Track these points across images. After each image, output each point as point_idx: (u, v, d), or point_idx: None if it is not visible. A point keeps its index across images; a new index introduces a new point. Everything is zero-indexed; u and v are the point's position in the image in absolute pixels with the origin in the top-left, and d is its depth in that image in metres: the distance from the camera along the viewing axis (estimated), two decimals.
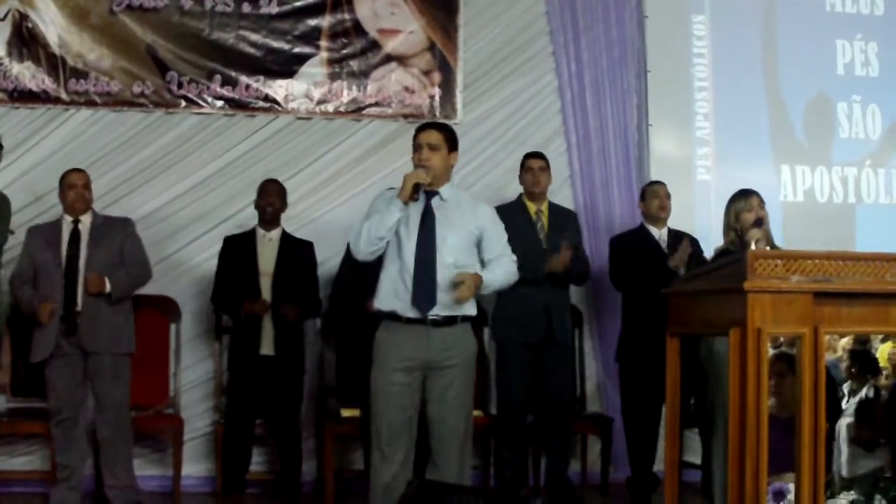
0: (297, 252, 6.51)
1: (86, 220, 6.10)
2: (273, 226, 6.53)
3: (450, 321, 4.81)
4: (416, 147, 4.88)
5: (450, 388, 4.82)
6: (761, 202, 5.63)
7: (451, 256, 4.80)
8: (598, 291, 7.33)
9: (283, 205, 6.57)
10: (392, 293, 4.80)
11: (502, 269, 4.95)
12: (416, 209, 4.83)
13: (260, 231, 6.52)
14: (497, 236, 4.99)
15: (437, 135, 4.91)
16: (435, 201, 4.87)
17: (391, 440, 4.77)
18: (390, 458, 4.77)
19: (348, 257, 5.93)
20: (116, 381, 5.97)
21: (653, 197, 6.64)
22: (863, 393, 5.87)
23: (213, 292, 6.54)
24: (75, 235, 6.04)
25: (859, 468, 5.39)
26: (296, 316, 6.35)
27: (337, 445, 6.55)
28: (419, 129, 4.96)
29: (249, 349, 6.30)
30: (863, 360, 6.04)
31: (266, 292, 6.36)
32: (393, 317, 4.80)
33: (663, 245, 6.51)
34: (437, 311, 4.78)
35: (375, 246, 4.78)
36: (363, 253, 4.81)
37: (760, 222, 5.50)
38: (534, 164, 6.57)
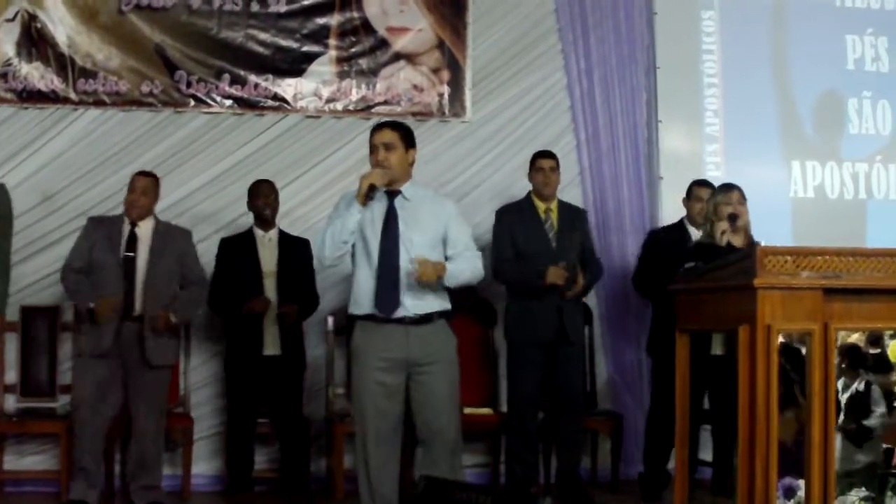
0: (295, 250, 6.50)
1: (145, 226, 6.12)
2: (270, 226, 6.53)
3: (426, 319, 4.80)
4: (372, 148, 4.84)
5: (435, 389, 4.80)
6: (742, 198, 5.66)
7: (420, 256, 4.75)
8: (609, 288, 7.32)
9: (278, 203, 6.58)
10: (365, 295, 4.78)
11: (467, 263, 4.91)
12: (381, 210, 4.81)
13: (258, 231, 6.52)
14: (461, 232, 4.95)
15: (392, 133, 4.86)
16: (398, 201, 4.84)
17: (379, 440, 4.75)
18: (376, 459, 4.75)
19: None
20: (158, 388, 6.06)
21: (696, 200, 6.58)
22: (853, 387, 5.86)
23: (210, 295, 6.45)
24: (132, 239, 6.06)
25: (852, 463, 5.39)
26: (295, 317, 6.35)
27: (347, 444, 6.55)
28: (373, 130, 4.92)
29: (252, 349, 6.29)
30: (853, 356, 6.05)
31: (270, 292, 6.35)
32: (369, 318, 4.78)
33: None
34: (412, 311, 4.77)
35: (340, 251, 4.78)
36: (329, 259, 4.82)
37: (734, 217, 5.54)
38: (545, 164, 6.54)
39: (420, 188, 4.98)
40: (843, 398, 5.37)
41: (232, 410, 6.47)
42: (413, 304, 4.77)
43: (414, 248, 4.76)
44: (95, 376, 5.94)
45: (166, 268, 6.07)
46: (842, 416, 5.37)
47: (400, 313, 4.75)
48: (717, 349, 5.82)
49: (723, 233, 5.54)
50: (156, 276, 6.01)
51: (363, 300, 4.79)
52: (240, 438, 6.39)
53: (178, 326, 6.11)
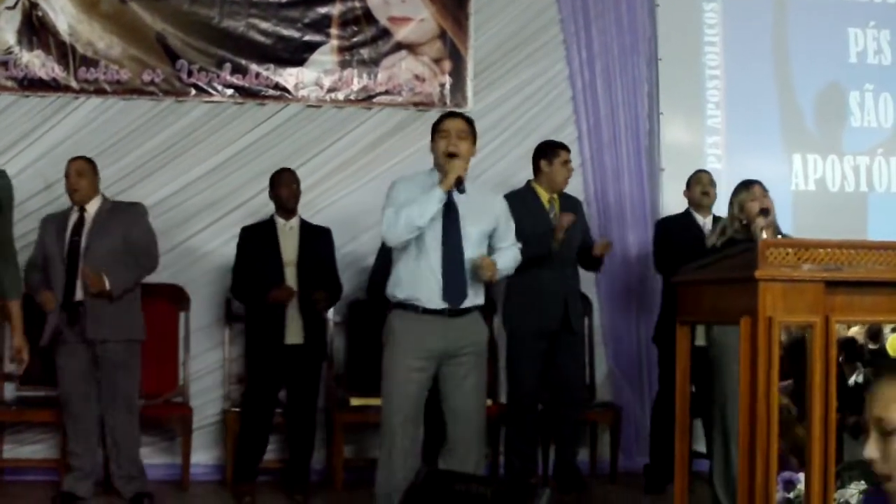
0: (316, 239, 6.48)
1: (91, 208, 6.10)
2: (292, 214, 6.51)
3: (465, 311, 4.84)
4: (444, 133, 4.86)
5: (467, 378, 4.84)
6: (764, 191, 5.64)
7: (473, 250, 4.84)
8: (609, 279, 7.33)
9: (299, 192, 6.55)
10: (413, 282, 4.79)
11: (511, 256, 5.03)
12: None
13: (279, 220, 6.47)
14: (510, 227, 5.06)
15: (465, 125, 4.94)
16: (456, 194, 4.86)
17: (405, 427, 4.77)
18: (400, 446, 4.76)
19: (384, 251, 5.90)
20: (123, 369, 5.97)
21: (696, 183, 6.70)
22: (851, 380, 5.86)
23: (233, 283, 6.45)
24: (79, 224, 6.06)
25: (851, 457, 5.39)
26: (327, 303, 6.35)
27: (347, 434, 6.56)
28: (446, 116, 4.99)
29: (273, 338, 6.24)
30: (849, 349, 6.06)
31: (291, 281, 6.31)
32: (411, 306, 4.79)
33: (705, 228, 6.51)
34: (470, 302, 4.86)
35: (412, 234, 4.76)
36: (399, 240, 4.77)
37: (766, 211, 5.50)
38: (567, 157, 6.56)
39: (470, 181, 5.00)
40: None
41: (249, 398, 6.40)
42: (472, 296, 4.85)
43: (470, 242, 4.83)
44: (75, 368, 5.95)
45: (108, 246, 5.96)
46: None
47: (466, 304, 4.82)
48: (699, 340, 5.82)
49: (762, 230, 5.48)
50: (97, 258, 5.93)
51: (408, 285, 4.80)
52: (254, 428, 6.33)
53: (111, 292, 5.89)
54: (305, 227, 6.51)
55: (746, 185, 5.67)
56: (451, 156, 4.82)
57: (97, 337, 5.90)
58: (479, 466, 4.91)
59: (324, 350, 6.54)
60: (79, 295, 5.93)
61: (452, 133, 4.86)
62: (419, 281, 4.78)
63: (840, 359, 6.07)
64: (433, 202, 4.74)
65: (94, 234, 6.01)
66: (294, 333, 6.29)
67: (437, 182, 4.83)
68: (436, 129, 4.94)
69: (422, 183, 4.87)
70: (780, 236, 5.49)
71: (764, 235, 5.45)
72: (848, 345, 6.09)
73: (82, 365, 5.95)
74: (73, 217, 6.08)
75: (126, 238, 6.04)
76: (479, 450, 4.91)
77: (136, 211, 6.23)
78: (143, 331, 6.10)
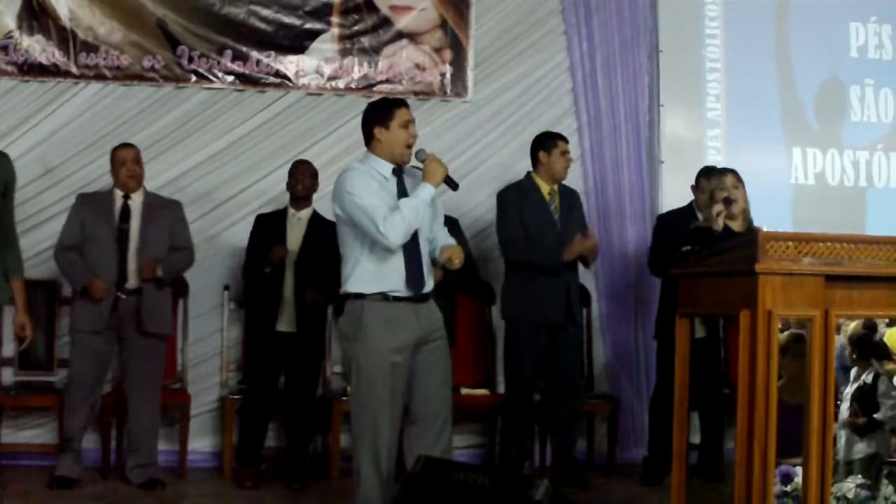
0: (324, 233, 6.46)
1: (136, 198, 6.18)
2: (304, 205, 6.52)
3: (426, 297, 4.83)
4: (405, 123, 4.79)
5: (438, 362, 4.82)
6: (736, 182, 5.63)
7: (425, 233, 4.82)
8: (609, 272, 7.33)
9: (314, 184, 6.56)
10: (378, 273, 4.72)
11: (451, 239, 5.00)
12: (392, 188, 4.78)
13: (291, 210, 6.52)
14: (441, 215, 5.01)
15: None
16: (406, 181, 4.85)
17: (392, 424, 4.71)
18: (389, 445, 4.71)
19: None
20: (153, 361, 6.11)
21: (701, 192, 6.56)
22: (861, 379, 5.85)
23: (245, 267, 6.58)
24: (126, 211, 6.11)
25: (853, 453, 5.40)
26: (316, 302, 6.33)
27: (344, 423, 6.56)
28: (404, 104, 4.86)
29: (266, 324, 6.31)
30: (863, 346, 6.04)
31: (288, 271, 6.35)
32: (379, 295, 4.71)
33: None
34: (427, 289, 4.83)
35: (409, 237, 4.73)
36: (400, 244, 4.68)
37: (729, 201, 5.52)
38: (567, 148, 6.56)
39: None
40: (851, 389, 5.37)
41: (247, 383, 6.48)
42: (429, 282, 4.83)
43: (422, 228, 4.78)
44: (93, 353, 5.98)
45: (158, 238, 6.10)
46: (846, 408, 5.39)
47: (425, 290, 4.79)
48: (699, 332, 5.82)
49: (717, 215, 5.51)
50: (148, 246, 6.05)
51: (372, 277, 4.72)
52: (254, 413, 6.38)
53: (163, 279, 6.07)
54: (316, 219, 6.51)
55: (719, 173, 5.69)
56: (410, 147, 4.79)
57: (144, 329, 5.99)
58: (450, 449, 4.84)
59: (321, 342, 6.55)
60: (131, 282, 6.01)
61: (412, 122, 4.82)
62: (387, 273, 4.71)
63: (854, 355, 6.07)
64: (425, 202, 4.72)
65: (146, 223, 6.09)
66: (287, 322, 6.34)
67: (388, 175, 4.78)
68: (391, 116, 4.79)
69: (372, 176, 4.77)
70: (745, 229, 5.50)
71: (721, 223, 5.48)
72: (862, 341, 6.06)
73: (104, 352, 6.02)
74: (118, 202, 6.11)
75: (171, 232, 6.17)
76: (447, 434, 4.83)
77: (178, 207, 6.35)
78: (170, 325, 6.31)
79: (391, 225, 4.59)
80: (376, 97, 7.13)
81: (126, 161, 6.15)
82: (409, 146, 4.80)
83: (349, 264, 4.80)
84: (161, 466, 6.25)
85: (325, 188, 7.06)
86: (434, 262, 4.89)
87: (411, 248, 4.74)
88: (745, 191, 5.70)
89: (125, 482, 6.09)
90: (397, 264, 4.72)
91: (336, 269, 6.24)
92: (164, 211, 6.22)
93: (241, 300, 6.84)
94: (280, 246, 6.32)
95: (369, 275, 4.74)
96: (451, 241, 4.95)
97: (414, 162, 4.85)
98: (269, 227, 6.49)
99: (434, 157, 4.78)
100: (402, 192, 4.77)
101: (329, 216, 6.28)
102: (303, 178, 6.51)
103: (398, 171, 4.84)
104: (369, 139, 4.85)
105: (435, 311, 4.87)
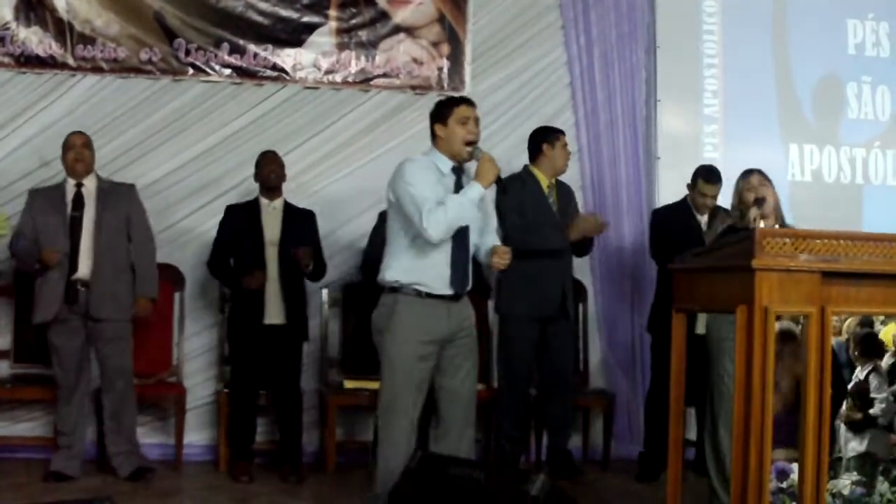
0: (300, 221, 6.49)
1: (90, 184, 6.11)
2: (276, 195, 6.51)
3: (462, 295, 4.86)
4: (464, 120, 4.80)
5: (465, 360, 4.85)
6: (763, 180, 5.61)
7: (473, 236, 4.86)
8: (605, 267, 7.34)
9: (283, 174, 6.57)
10: (419, 268, 4.75)
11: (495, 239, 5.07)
12: (449, 185, 4.80)
13: (263, 200, 6.49)
14: (492, 210, 5.07)
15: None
16: (465, 180, 4.86)
17: (415, 419, 4.75)
18: (410, 435, 4.74)
19: (376, 237, 6.04)
20: (120, 346, 6.03)
21: (697, 194, 6.59)
22: (855, 375, 5.86)
23: (211, 258, 6.51)
24: (79, 198, 6.05)
25: (850, 450, 5.41)
26: (310, 259, 6.29)
27: (340, 417, 6.57)
28: (464, 101, 4.89)
29: (253, 318, 6.28)
30: (866, 343, 6.04)
31: (272, 261, 6.34)
32: (415, 291, 4.75)
33: (703, 223, 6.51)
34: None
35: (453, 232, 4.74)
36: (442, 239, 4.70)
37: (761, 202, 5.49)
38: (566, 142, 6.56)
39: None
40: (850, 387, 5.40)
41: (234, 380, 6.43)
42: (470, 282, 4.88)
43: (473, 228, 4.84)
44: (71, 346, 5.97)
45: (113, 224, 6.04)
46: (846, 405, 5.40)
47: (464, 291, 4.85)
48: (700, 329, 5.82)
49: (755, 219, 5.47)
50: (102, 233, 5.99)
51: (411, 270, 4.75)
52: (241, 408, 6.36)
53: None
54: (289, 208, 6.53)
55: (745, 175, 5.66)
56: (470, 144, 4.79)
57: (97, 315, 5.93)
58: (472, 450, 4.91)
59: (305, 330, 6.52)
60: (82, 271, 5.94)
61: (472, 119, 4.82)
62: (427, 267, 4.74)
63: (856, 353, 6.08)
64: (475, 203, 4.73)
65: (99, 211, 6.02)
66: (274, 314, 6.32)
67: (446, 171, 4.81)
68: (450, 113, 4.83)
69: (432, 170, 4.80)
70: (777, 225, 5.49)
71: (762, 225, 5.45)
72: (866, 339, 6.07)
73: (76, 342, 5.98)
74: (70, 192, 6.07)
75: (127, 218, 6.10)
76: (472, 433, 4.93)
77: (133, 190, 6.26)
78: (132, 308, 6.13)
79: (434, 218, 4.62)
80: (374, 91, 7.22)
81: (75, 145, 6.09)
82: (468, 143, 4.80)
83: (391, 253, 4.86)
84: (152, 460, 6.25)
85: (322, 180, 7.11)
86: (477, 262, 4.92)
87: (460, 247, 4.78)
88: (774, 188, 5.67)
89: (112, 474, 6.06)
90: (441, 261, 4.75)
91: (317, 255, 6.27)
92: (119, 195, 6.13)
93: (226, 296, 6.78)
94: (259, 272, 6.28)
95: (408, 265, 4.77)
96: (498, 242, 5.01)
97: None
98: (242, 218, 6.45)
99: (488, 158, 4.77)
100: (459, 190, 4.80)
101: (301, 204, 6.44)
102: (275, 168, 6.50)
103: (458, 170, 4.86)
104: (433, 135, 4.90)
105: (466, 308, 4.90)
